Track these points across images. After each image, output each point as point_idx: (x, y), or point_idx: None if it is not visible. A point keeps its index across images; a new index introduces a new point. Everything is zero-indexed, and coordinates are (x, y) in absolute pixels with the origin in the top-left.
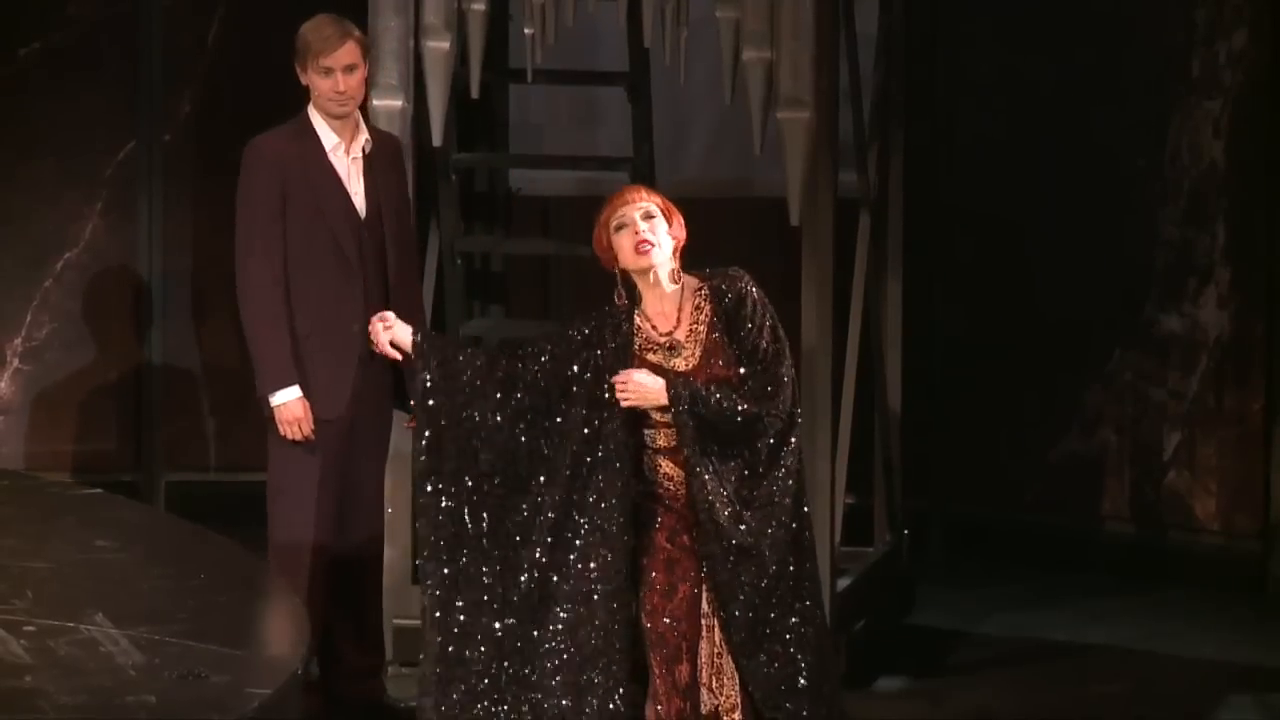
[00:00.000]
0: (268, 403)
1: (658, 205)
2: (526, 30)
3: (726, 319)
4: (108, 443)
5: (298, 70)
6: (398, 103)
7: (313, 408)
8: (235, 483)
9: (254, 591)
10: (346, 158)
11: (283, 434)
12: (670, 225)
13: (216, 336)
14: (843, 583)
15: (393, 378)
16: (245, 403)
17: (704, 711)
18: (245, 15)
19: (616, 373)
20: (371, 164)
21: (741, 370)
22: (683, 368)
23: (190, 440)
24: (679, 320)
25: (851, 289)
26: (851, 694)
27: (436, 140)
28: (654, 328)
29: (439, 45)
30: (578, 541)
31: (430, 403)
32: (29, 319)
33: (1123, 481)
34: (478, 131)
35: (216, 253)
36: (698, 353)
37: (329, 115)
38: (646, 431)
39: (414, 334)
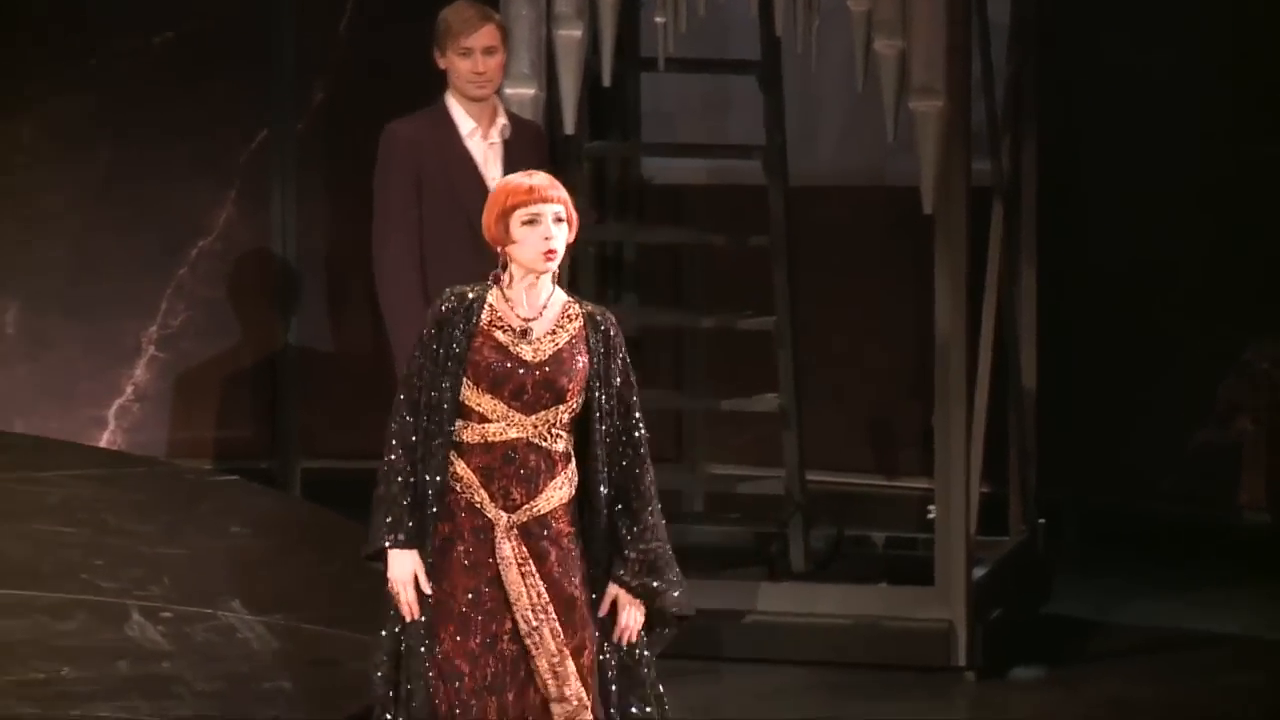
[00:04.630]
0: None
1: (565, 210)
2: (658, 19)
3: (603, 346)
4: (243, 429)
5: (436, 54)
6: (530, 91)
7: None
8: (370, 469)
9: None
10: (483, 142)
11: None
12: (570, 232)
13: (352, 322)
14: (978, 572)
15: None
16: (380, 389)
17: None
18: (377, 3)
19: (463, 353)
20: (509, 149)
21: (601, 387)
22: (527, 357)
23: (326, 427)
24: (541, 314)
25: (985, 278)
26: (986, 683)
27: (568, 128)
28: (512, 309)
29: (571, 33)
30: None
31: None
32: (164, 307)
33: (1259, 471)
34: (609, 120)
35: (351, 239)
36: (549, 352)
37: (467, 98)
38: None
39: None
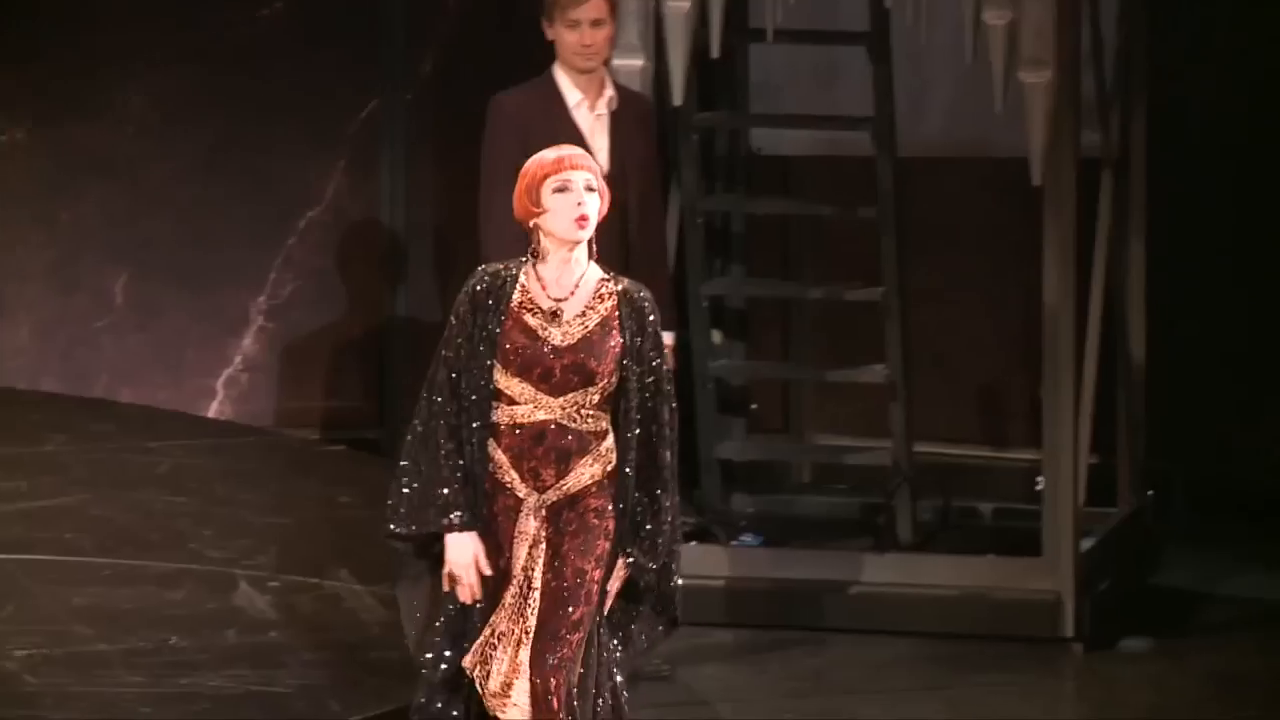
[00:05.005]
0: None
1: (595, 180)
2: None
3: (635, 323)
4: (352, 399)
5: (544, 25)
6: (639, 62)
7: None
8: None
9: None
10: (590, 114)
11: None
12: (601, 204)
13: (459, 292)
14: (1087, 543)
15: None
16: None
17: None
18: None
19: (492, 335)
20: (617, 122)
21: (634, 366)
22: (556, 341)
23: None
24: (573, 294)
25: (1093, 249)
26: (1095, 654)
27: (677, 100)
28: (544, 289)
29: (679, 5)
30: None
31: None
32: (273, 277)
33: None
34: (718, 91)
35: (459, 209)
36: (578, 335)
37: (574, 70)
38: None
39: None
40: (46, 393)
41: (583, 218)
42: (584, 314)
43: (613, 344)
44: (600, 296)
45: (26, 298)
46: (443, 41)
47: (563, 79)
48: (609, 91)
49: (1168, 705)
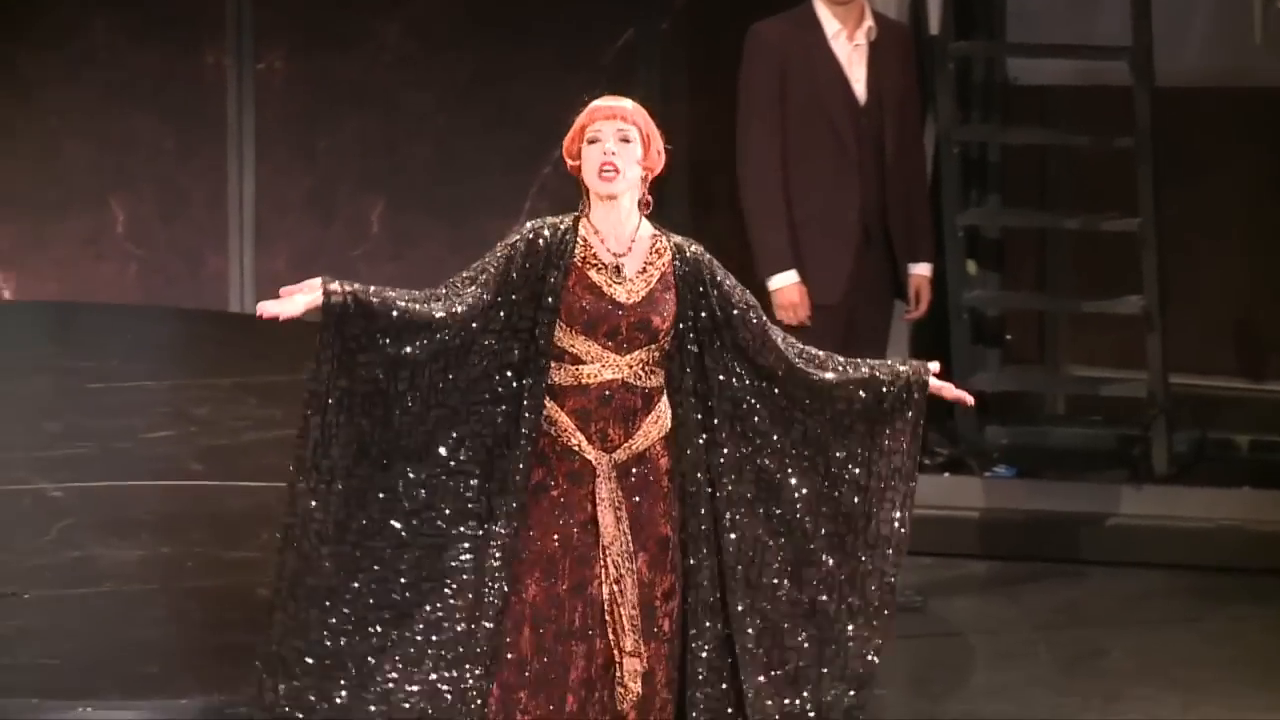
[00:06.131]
0: (765, 288)
1: (639, 129)
2: None
3: (693, 277)
4: None
5: None
6: None
7: (810, 293)
8: None
9: None
10: (848, 44)
11: (779, 319)
12: (645, 154)
13: (716, 223)
14: None
15: (891, 266)
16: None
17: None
18: None
19: (553, 287)
20: (876, 52)
21: (751, 310)
22: (622, 299)
23: None
24: (630, 249)
25: None
26: None
27: (934, 29)
28: (603, 243)
29: None
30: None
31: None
32: (528, 206)
33: None
34: (975, 20)
35: (714, 139)
36: (642, 292)
37: (832, 2)
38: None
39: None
40: (304, 321)
41: (607, 164)
42: (644, 270)
43: (670, 300)
44: (656, 251)
45: (284, 226)
46: None
47: (822, 9)
48: (868, 22)
49: None
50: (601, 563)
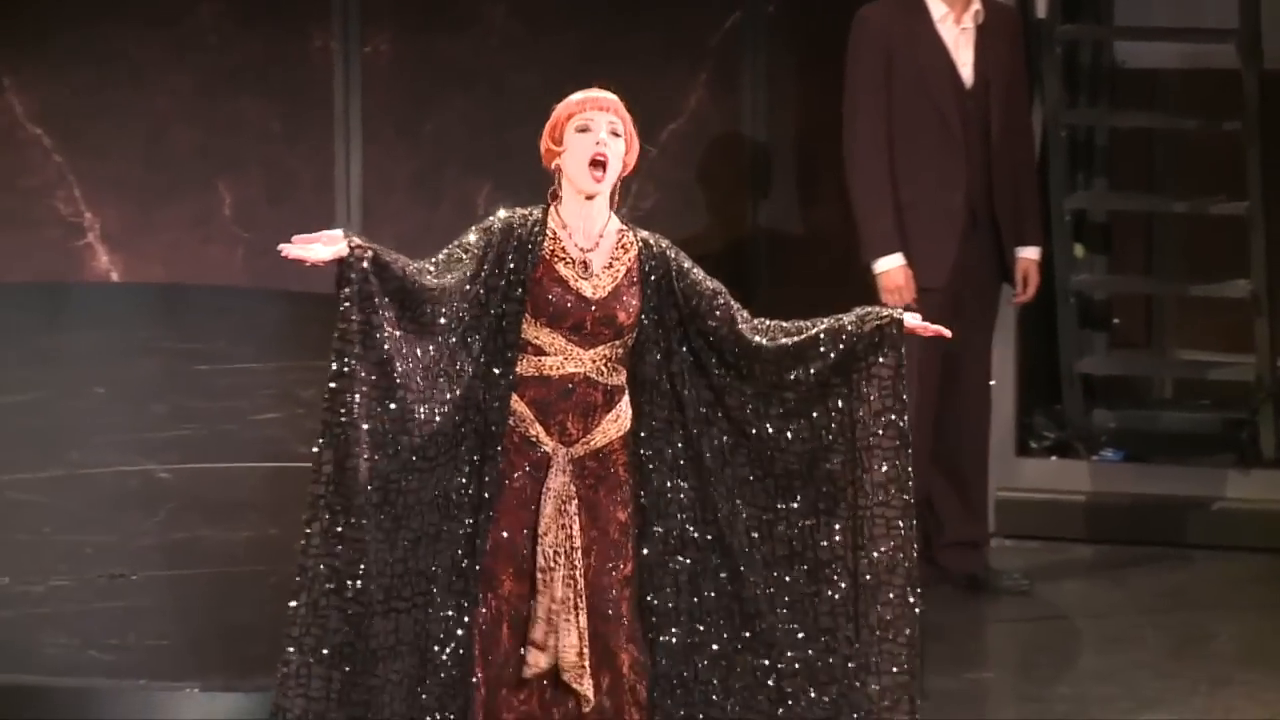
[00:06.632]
0: (871, 270)
1: (624, 127)
2: None
3: (660, 270)
4: None
5: None
6: None
7: (915, 276)
8: None
9: None
10: (955, 28)
11: (884, 301)
12: (628, 151)
13: (821, 206)
14: None
15: (998, 250)
16: (848, 273)
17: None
18: None
19: (524, 278)
20: (983, 35)
21: (719, 295)
22: (588, 293)
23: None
24: (598, 245)
25: None
26: None
27: (1041, 12)
28: (571, 237)
29: None
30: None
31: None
32: (635, 188)
33: None
34: (1083, 3)
35: (820, 123)
36: (608, 287)
37: None
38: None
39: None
40: None
41: (598, 157)
42: (611, 265)
43: (635, 296)
44: (623, 247)
45: (390, 209)
46: None
47: None
48: (975, 5)
49: None
50: (540, 550)
